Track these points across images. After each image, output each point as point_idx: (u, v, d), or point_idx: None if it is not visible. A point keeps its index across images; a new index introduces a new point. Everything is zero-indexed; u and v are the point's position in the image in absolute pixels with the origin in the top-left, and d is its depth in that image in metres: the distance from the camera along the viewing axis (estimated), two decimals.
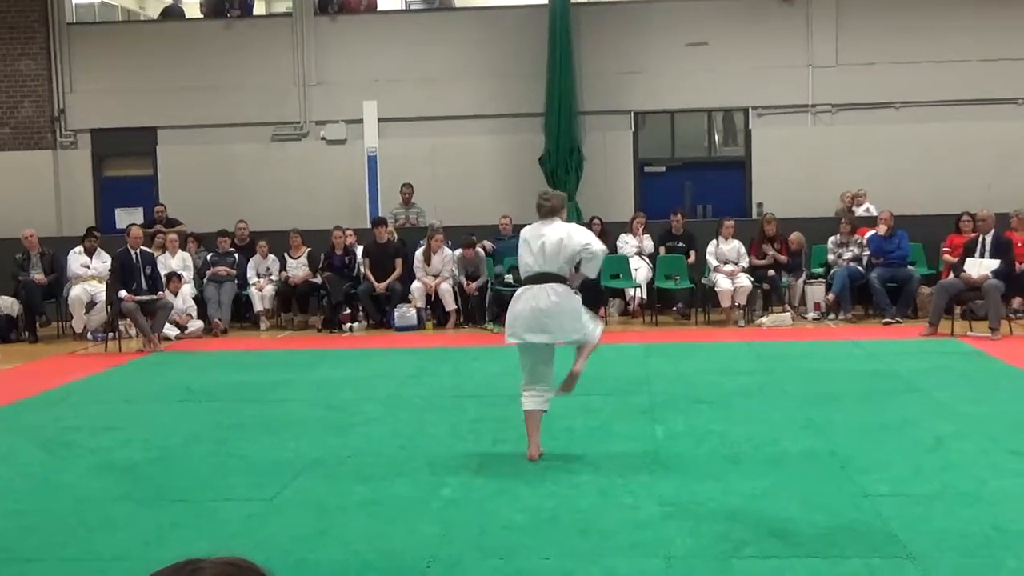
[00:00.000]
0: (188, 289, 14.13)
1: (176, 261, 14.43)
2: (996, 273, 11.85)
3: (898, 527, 5.10)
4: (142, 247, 13.07)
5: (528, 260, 6.59)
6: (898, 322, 13.16)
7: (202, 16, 18.76)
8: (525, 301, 6.52)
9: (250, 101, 17.78)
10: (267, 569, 1.70)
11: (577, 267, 6.61)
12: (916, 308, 13.68)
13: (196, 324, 13.90)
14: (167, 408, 8.91)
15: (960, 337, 11.82)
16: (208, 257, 14.89)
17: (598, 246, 6.58)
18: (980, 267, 12.01)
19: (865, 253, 13.99)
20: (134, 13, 21.21)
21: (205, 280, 14.51)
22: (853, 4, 17.06)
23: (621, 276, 14.30)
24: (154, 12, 21.59)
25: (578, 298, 6.68)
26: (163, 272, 13.58)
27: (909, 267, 13.86)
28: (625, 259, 14.45)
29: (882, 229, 13.90)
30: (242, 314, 14.91)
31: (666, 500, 5.68)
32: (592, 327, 6.80)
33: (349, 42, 17.89)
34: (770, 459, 6.53)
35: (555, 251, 6.50)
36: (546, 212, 6.72)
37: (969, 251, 12.31)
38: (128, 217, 17.16)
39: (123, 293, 12.48)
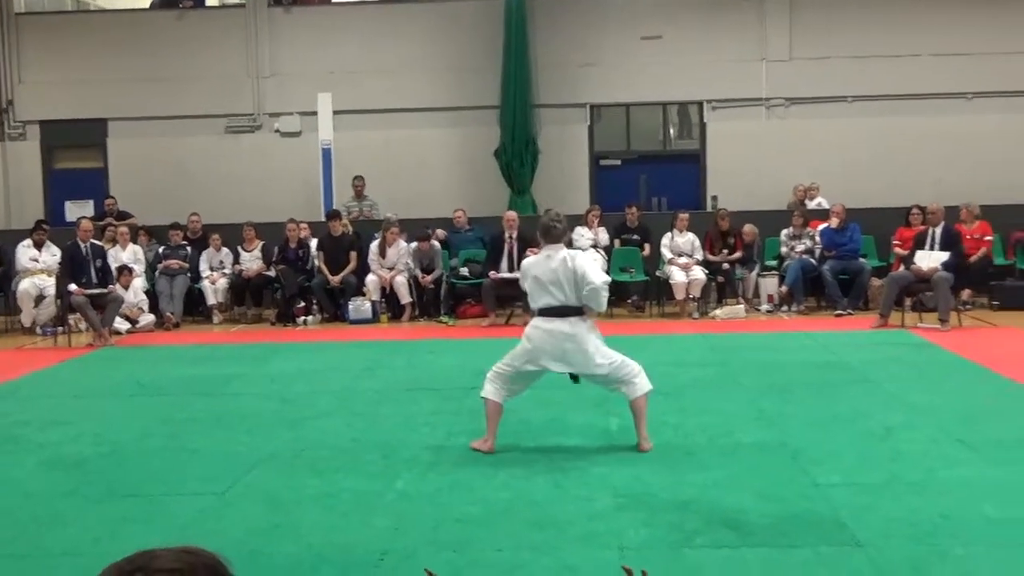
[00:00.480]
0: (139, 283, 13.99)
1: (127, 254, 14.27)
2: (946, 265, 12.00)
3: (848, 516, 5.15)
4: (92, 240, 12.94)
5: (546, 298, 6.41)
6: (850, 314, 13.29)
7: (154, 7, 18.54)
8: (545, 332, 6.41)
9: (203, 93, 17.62)
10: (222, 556, 1.68)
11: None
12: (867, 300, 13.82)
13: (147, 318, 13.77)
14: (118, 403, 8.81)
15: (910, 328, 11.96)
16: (160, 250, 14.74)
17: (600, 278, 6.43)
18: (930, 259, 12.15)
19: (817, 246, 14.12)
20: (84, 3, 20.91)
21: (157, 273, 14.37)
22: None
23: None
24: (105, 2, 21.32)
25: (597, 330, 6.57)
26: (114, 265, 13.45)
27: (861, 259, 14.00)
28: (580, 252, 14.48)
29: (834, 222, 14.03)
30: (194, 308, 14.79)
31: (620, 491, 5.70)
32: (638, 380, 6.56)
33: (303, 34, 17.78)
34: (723, 450, 6.57)
35: (570, 284, 6.36)
36: (555, 237, 6.54)
37: (919, 244, 12.46)
38: (78, 210, 16.96)
39: (73, 287, 12.33)
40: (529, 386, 6.79)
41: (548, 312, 6.44)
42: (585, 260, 6.59)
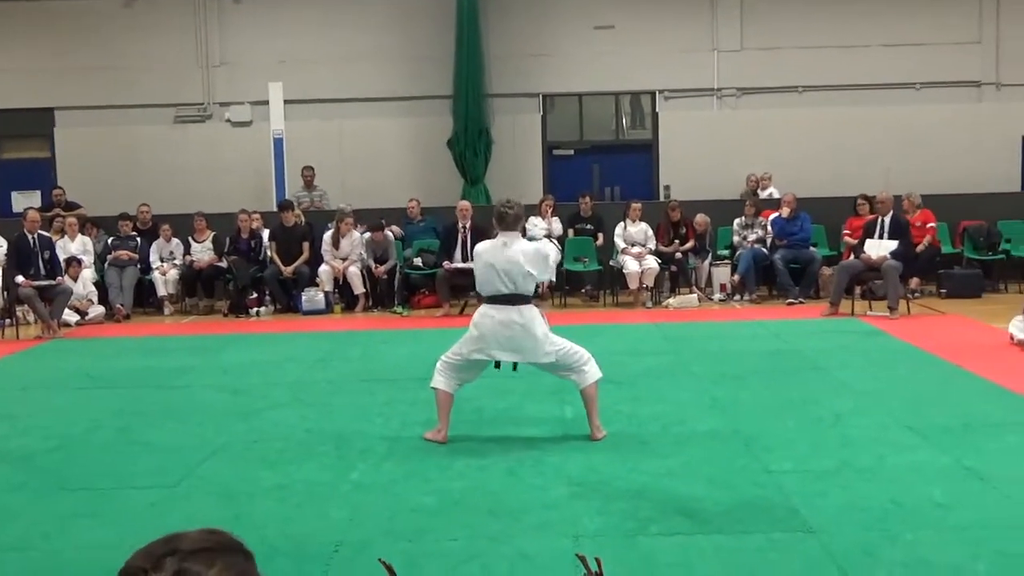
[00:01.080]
0: (88, 274, 13.82)
1: (75, 245, 14.09)
2: (894, 254, 12.14)
3: (799, 502, 5.20)
4: (40, 231, 12.76)
5: (497, 284, 6.39)
6: (801, 302, 13.42)
7: None
8: (494, 321, 6.38)
9: (152, 82, 17.41)
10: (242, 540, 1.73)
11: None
12: (818, 289, 13.97)
13: (97, 310, 13.62)
14: (67, 395, 8.71)
15: (860, 316, 12.10)
16: (109, 241, 14.56)
17: (545, 276, 6.51)
18: (879, 248, 12.29)
19: (769, 235, 14.24)
20: None
21: (106, 265, 14.20)
22: None
23: None
24: None
25: (544, 319, 6.58)
26: (62, 257, 13.27)
27: (811, 249, 14.14)
28: (551, 240, 14.51)
29: (785, 211, 14.15)
30: (145, 299, 14.64)
31: (574, 480, 5.72)
32: (587, 367, 6.59)
33: (254, 22, 17.61)
34: (677, 438, 6.61)
35: (522, 273, 6.38)
36: (508, 223, 6.52)
37: (868, 233, 12.59)
38: (25, 200, 16.68)
39: (20, 278, 12.16)
40: (479, 375, 6.77)
41: (498, 300, 6.43)
42: (546, 246, 6.68)
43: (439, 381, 6.62)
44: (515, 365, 6.62)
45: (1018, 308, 10.07)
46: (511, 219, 6.54)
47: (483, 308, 6.54)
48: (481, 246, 6.66)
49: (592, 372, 6.57)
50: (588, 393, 6.59)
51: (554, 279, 6.57)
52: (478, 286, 6.65)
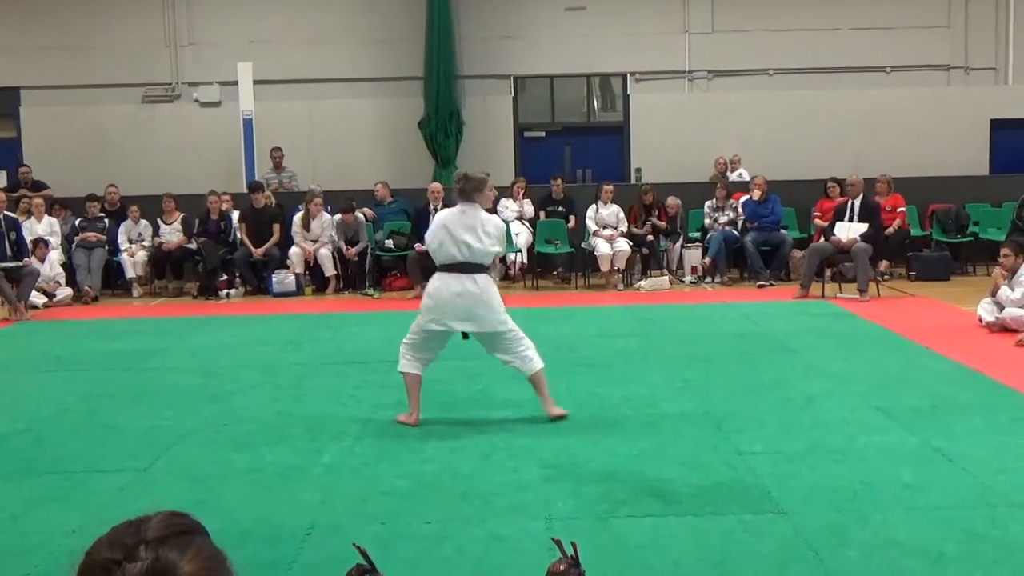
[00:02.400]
0: (55, 255, 13.69)
1: (42, 226, 13.93)
2: (864, 237, 12.21)
3: (771, 484, 5.23)
4: (6, 212, 12.61)
5: (452, 250, 6.37)
6: (771, 285, 13.48)
7: None
8: (449, 289, 6.37)
9: (119, 61, 17.23)
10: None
11: None
12: (789, 271, 14.04)
13: (65, 291, 13.49)
14: (34, 378, 8.63)
15: (830, 299, 12.17)
16: (76, 223, 14.42)
17: (497, 248, 6.51)
18: (849, 231, 12.35)
19: (740, 217, 14.28)
20: None
21: (73, 246, 14.06)
22: None
23: None
24: None
25: (496, 289, 6.58)
26: (29, 238, 13.12)
27: (782, 231, 14.20)
28: (506, 224, 14.47)
29: (756, 194, 14.20)
30: (113, 281, 14.53)
31: (546, 462, 5.72)
32: (531, 354, 6.59)
33: (223, 1, 17.44)
34: (648, 421, 6.63)
35: (477, 241, 6.37)
36: (465, 195, 6.50)
37: (839, 215, 12.65)
38: None
39: None
40: (442, 348, 6.71)
41: (452, 268, 6.42)
42: (496, 227, 6.57)
43: (404, 364, 6.61)
44: (464, 334, 6.59)
45: (986, 290, 10.16)
46: (467, 190, 6.52)
47: (437, 276, 6.52)
48: (440, 214, 6.69)
49: (536, 360, 6.59)
50: (536, 378, 6.62)
51: (501, 251, 6.52)
52: (432, 253, 6.58)
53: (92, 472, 5.78)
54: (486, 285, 6.45)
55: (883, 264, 13.80)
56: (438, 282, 6.47)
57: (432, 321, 6.47)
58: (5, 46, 17.18)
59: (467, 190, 6.53)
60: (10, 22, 17.22)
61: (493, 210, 6.75)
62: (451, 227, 6.42)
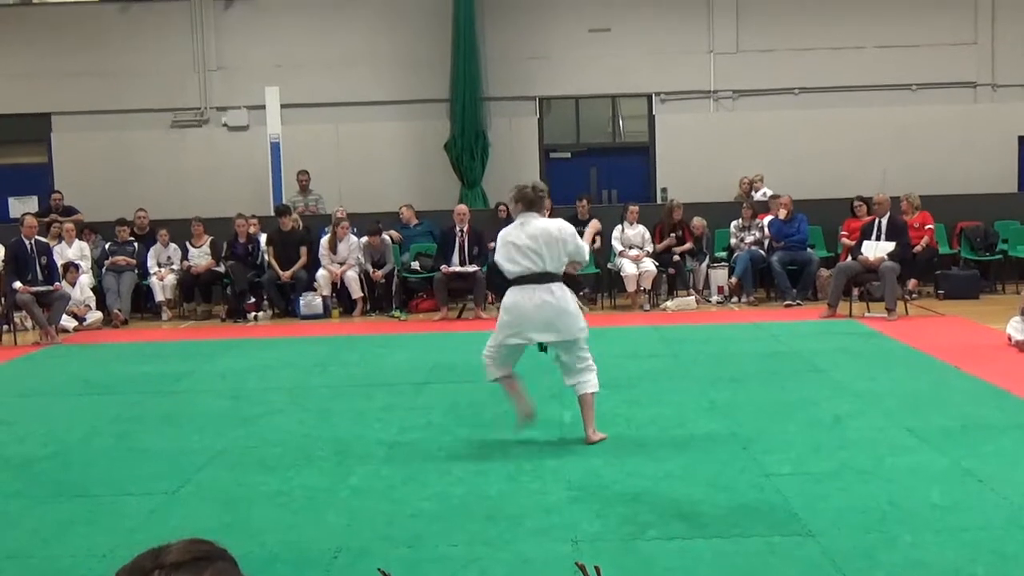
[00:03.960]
0: (86, 279, 13.81)
1: (73, 251, 14.08)
2: (892, 255, 12.14)
3: (798, 505, 5.20)
4: (37, 237, 12.75)
5: (524, 262, 6.32)
6: (798, 304, 13.43)
7: (97, 0, 18.27)
8: (529, 301, 6.32)
9: (149, 87, 17.42)
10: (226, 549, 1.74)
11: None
12: (816, 290, 13.97)
13: (95, 315, 13.60)
14: (65, 402, 8.70)
15: (858, 318, 12.10)
16: (106, 247, 14.55)
17: (580, 241, 6.50)
18: (876, 250, 12.29)
19: (766, 237, 14.24)
20: None
21: (104, 270, 14.19)
22: None
23: None
24: None
25: (572, 296, 6.54)
26: (59, 262, 13.26)
27: (808, 250, 14.15)
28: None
29: (782, 213, 14.16)
30: (143, 304, 14.63)
31: (573, 484, 5.72)
32: (590, 376, 6.58)
33: (250, 27, 17.62)
34: (675, 441, 6.61)
35: (553, 248, 6.33)
36: (523, 203, 6.47)
37: (866, 234, 12.59)
38: (22, 206, 16.68)
39: (18, 284, 12.15)
40: (519, 357, 6.68)
41: (527, 279, 6.36)
42: (567, 225, 6.52)
43: (492, 372, 6.62)
44: (543, 346, 6.55)
45: (1016, 309, 10.07)
46: (534, 199, 6.49)
47: (512, 291, 6.44)
48: (503, 231, 6.60)
49: (593, 382, 6.58)
50: (586, 400, 6.59)
51: (586, 259, 6.53)
52: (505, 270, 6.48)
53: (121, 495, 5.82)
54: (563, 293, 6.41)
55: (912, 283, 13.72)
56: (515, 296, 6.41)
57: (512, 336, 6.43)
58: (36, 73, 17.41)
59: (534, 199, 6.49)
60: (41, 49, 17.46)
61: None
62: (518, 240, 6.38)
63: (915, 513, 5.07)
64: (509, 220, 6.97)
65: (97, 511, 5.54)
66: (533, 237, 6.34)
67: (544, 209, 6.62)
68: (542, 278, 6.35)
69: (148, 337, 12.71)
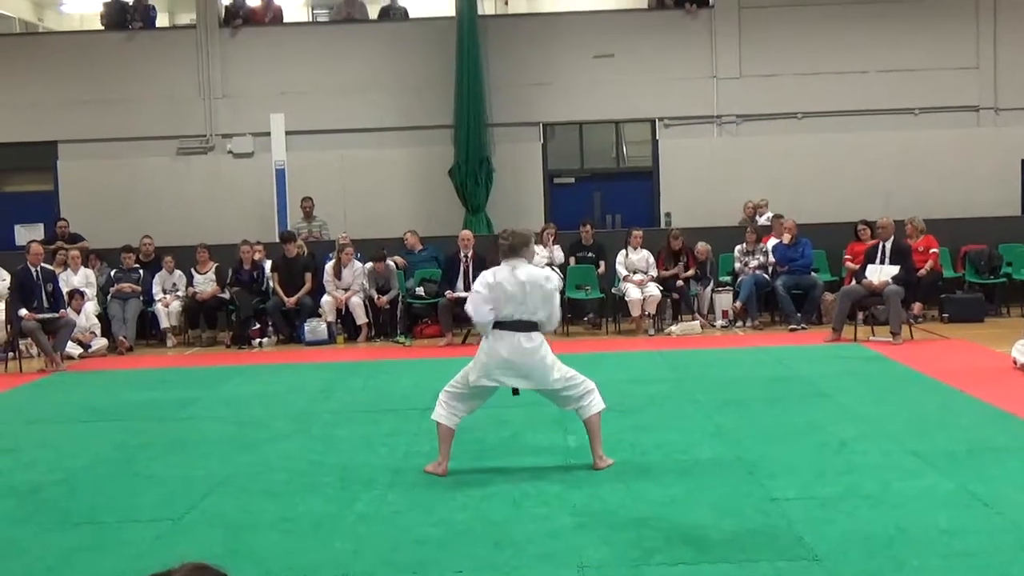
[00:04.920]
0: (91, 306, 13.84)
1: (78, 278, 14.11)
2: (896, 279, 12.15)
3: (804, 530, 5.19)
4: (43, 264, 12.78)
5: (508, 309, 6.34)
6: (803, 328, 13.42)
7: (103, 28, 18.38)
8: (505, 346, 6.34)
9: (154, 114, 17.51)
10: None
11: None
12: (820, 314, 13.96)
13: (100, 342, 13.62)
14: (70, 428, 8.70)
15: (863, 342, 12.09)
16: (112, 273, 14.59)
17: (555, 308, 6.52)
18: (881, 273, 12.30)
19: (771, 262, 14.25)
20: (33, 25, 20.74)
21: (109, 297, 14.22)
22: (755, 18, 17.41)
23: None
24: (54, 24, 21.15)
25: (548, 345, 6.53)
26: (65, 289, 13.28)
27: (813, 274, 14.15)
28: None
29: (786, 237, 14.17)
30: (148, 331, 14.65)
31: (578, 509, 5.71)
32: (587, 401, 6.55)
33: (255, 54, 17.72)
34: (680, 466, 6.60)
35: (534, 297, 6.35)
36: (506, 252, 6.49)
37: (870, 258, 12.60)
38: (28, 233, 16.74)
39: (23, 311, 12.18)
40: (483, 403, 6.74)
41: (509, 326, 6.39)
42: (549, 274, 6.56)
43: (440, 414, 6.58)
44: (515, 390, 6.58)
45: (1021, 332, 10.07)
46: (509, 248, 6.50)
47: (493, 334, 6.43)
48: (489, 271, 6.59)
49: (595, 403, 6.56)
50: (591, 423, 6.58)
51: (553, 327, 6.54)
52: (482, 313, 6.45)
53: (127, 522, 5.82)
54: (539, 342, 6.42)
55: (917, 307, 13.71)
56: (494, 339, 6.42)
57: (484, 377, 6.43)
58: (43, 101, 17.51)
59: (516, 245, 6.50)
60: (48, 77, 17.56)
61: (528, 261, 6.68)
62: (502, 281, 6.38)
63: (921, 537, 5.05)
64: None
65: (103, 538, 5.54)
66: (522, 285, 6.35)
67: (528, 254, 6.57)
68: (523, 326, 6.38)
69: (153, 364, 12.72)
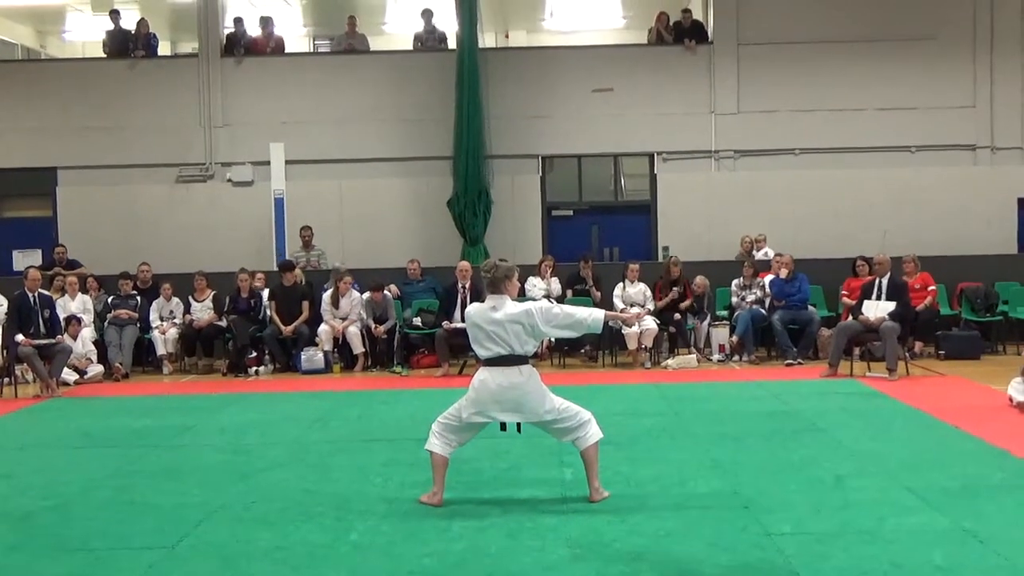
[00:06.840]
0: (88, 333, 13.84)
1: (76, 304, 14.12)
2: (892, 315, 12.17)
3: (800, 565, 5.18)
4: (40, 290, 12.78)
5: (489, 345, 6.37)
6: (800, 363, 13.43)
7: (105, 55, 18.48)
8: (495, 382, 6.35)
9: (154, 142, 17.58)
10: None
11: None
12: (817, 349, 13.97)
13: (96, 368, 13.61)
14: (65, 455, 8.68)
15: (859, 378, 12.09)
16: (109, 300, 14.59)
17: (545, 304, 6.50)
18: (877, 309, 12.32)
19: (767, 296, 14.27)
20: (34, 52, 20.86)
21: (106, 323, 14.21)
22: (753, 54, 17.54)
23: None
24: (55, 51, 21.27)
25: (539, 378, 6.54)
26: (62, 315, 13.29)
27: (810, 309, 14.17)
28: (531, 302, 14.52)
29: (783, 272, 14.21)
30: (144, 358, 14.64)
31: (573, 542, 5.70)
32: (582, 432, 6.54)
33: (256, 84, 17.81)
34: (676, 500, 6.60)
35: (516, 333, 6.37)
36: (488, 286, 6.53)
37: (866, 294, 12.63)
38: (26, 259, 16.77)
39: (20, 337, 12.18)
40: (475, 435, 6.74)
41: (495, 361, 6.41)
42: (533, 304, 6.52)
43: (434, 444, 6.59)
44: (519, 427, 6.59)
45: (1017, 370, 10.08)
46: (491, 282, 6.53)
47: (482, 370, 6.50)
48: (470, 309, 6.63)
49: (592, 433, 6.56)
50: (588, 455, 6.58)
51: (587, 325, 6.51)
52: (475, 349, 6.60)
53: (120, 549, 5.80)
54: (530, 375, 6.44)
55: (918, 345, 13.72)
56: (483, 375, 6.45)
57: (476, 414, 6.46)
58: (43, 127, 17.58)
59: (497, 279, 6.52)
60: (49, 104, 17.63)
61: (520, 290, 6.71)
62: (481, 323, 6.41)
63: (917, 574, 5.05)
64: None
65: (96, 565, 5.52)
66: (499, 324, 6.36)
67: (511, 287, 6.56)
68: (510, 360, 6.39)
69: (149, 391, 12.70)
